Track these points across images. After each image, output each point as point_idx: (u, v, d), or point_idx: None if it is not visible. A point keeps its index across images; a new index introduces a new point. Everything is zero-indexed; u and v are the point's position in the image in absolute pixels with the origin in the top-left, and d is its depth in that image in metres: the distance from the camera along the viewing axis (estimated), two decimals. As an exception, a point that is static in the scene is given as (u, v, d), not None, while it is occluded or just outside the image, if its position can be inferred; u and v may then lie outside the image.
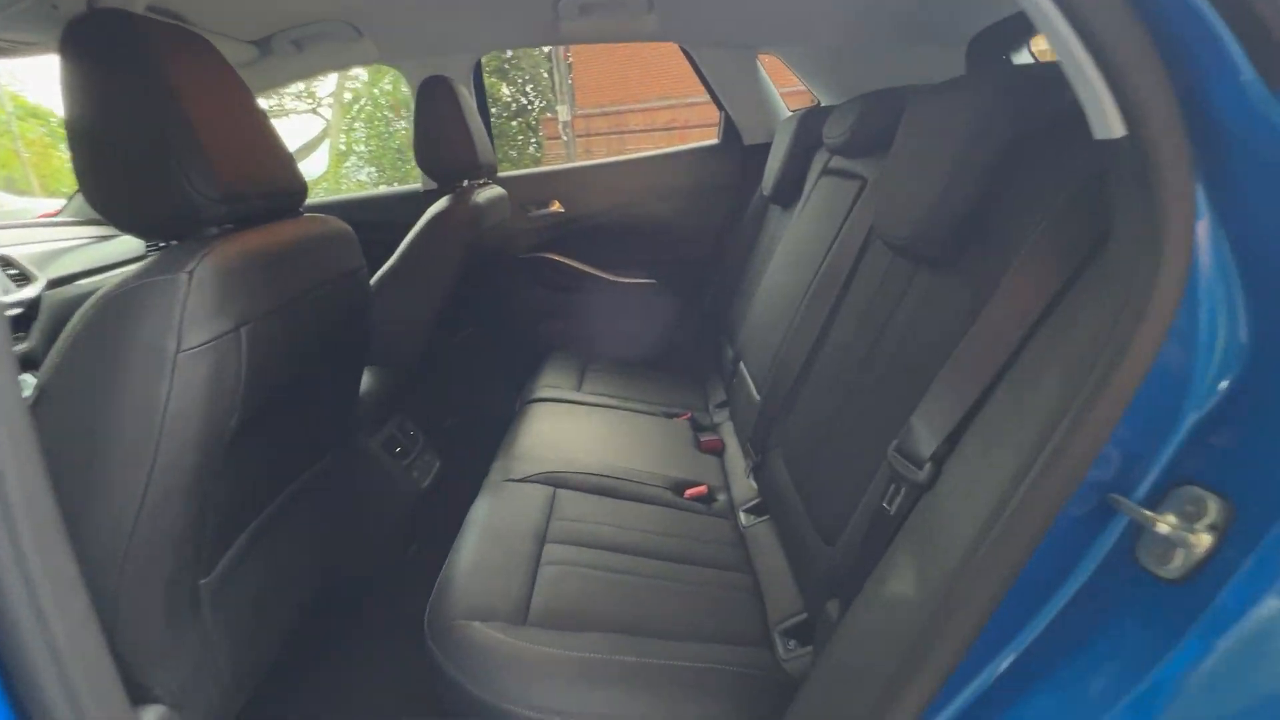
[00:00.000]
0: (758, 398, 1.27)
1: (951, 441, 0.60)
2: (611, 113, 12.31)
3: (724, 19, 1.66)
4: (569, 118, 11.57)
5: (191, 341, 0.65)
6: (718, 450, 1.46)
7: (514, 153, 10.11)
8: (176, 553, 0.74)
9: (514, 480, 1.20)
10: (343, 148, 11.58)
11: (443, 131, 1.48)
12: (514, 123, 11.06)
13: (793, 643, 0.91)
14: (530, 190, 2.05)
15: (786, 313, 1.25)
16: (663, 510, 1.19)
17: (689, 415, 1.60)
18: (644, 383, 1.78)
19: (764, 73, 1.89)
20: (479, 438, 2.12)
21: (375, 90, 11.50)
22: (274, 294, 0.79)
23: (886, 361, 0.86)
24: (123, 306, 0.65)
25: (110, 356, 0.64)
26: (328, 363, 1.00)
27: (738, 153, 1.98)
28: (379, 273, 1.45)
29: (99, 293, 0.65)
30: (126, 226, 0.77)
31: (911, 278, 0.87)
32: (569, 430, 1.43)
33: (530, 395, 1.61)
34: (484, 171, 1.60)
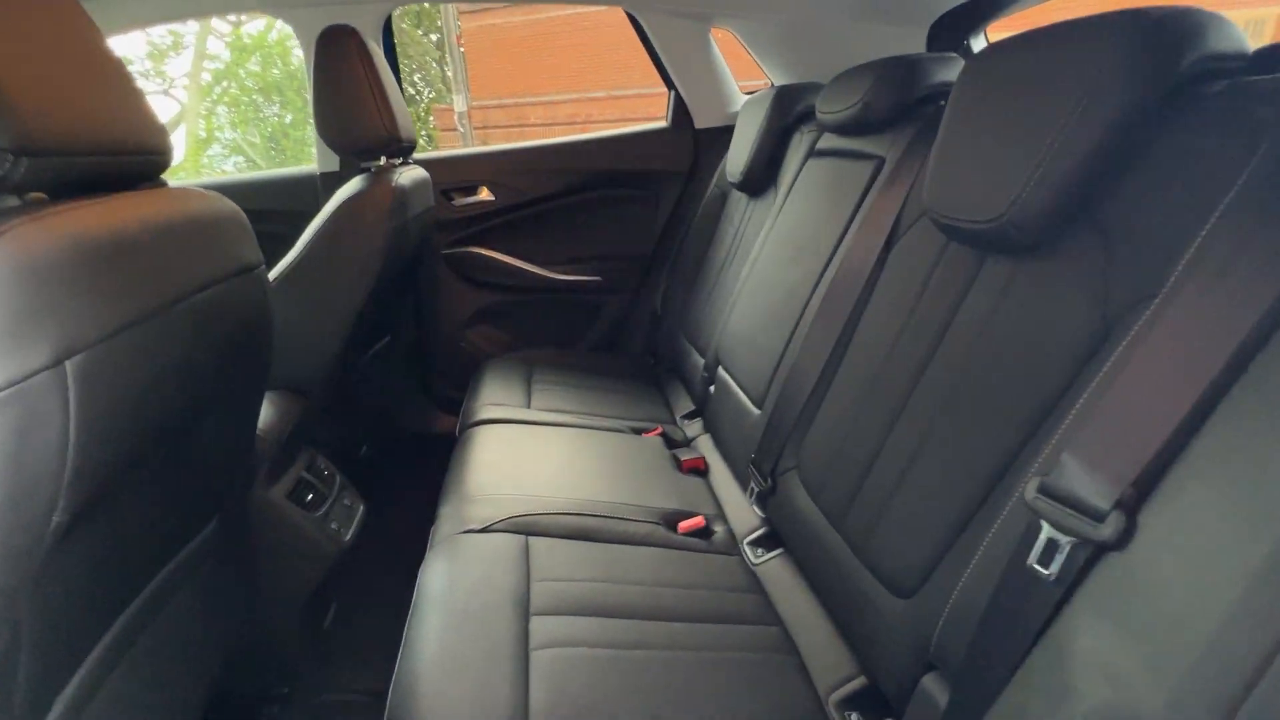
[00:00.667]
0: (756, 411, 1.11)
1: (1143, 485, 0.46)
2: (510, 105, 11.88)
3: (679, -16, 1.48)
4: (465, 108, 11.03)
5: None
6: (701, 470, 1.28)
7: (405, 144, 9.50)
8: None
9: (474, 531, 0.96)
10: (203, 134, 10.38)
11: (353, 96, 1.18)
12: (403, 112, 10.37)
13: (854, 716, 0.74)
14: (454, 175, 1.77)
15: (786, 313, 1.09)
16: (658, 552, 1.00)
17: (660, 430, 1.41)
18: (599, 394, 1.56)
19: (717, 49, 1.73)
20: (406, 467, 1.82)
21: (241, 71, 10.37)
22: (123, 304, 0.51)
23: (956, 371, 0.71)
24: None
25: None
26: (213, 399, 0.71)
27: (689, 136, 1.81)
28: (273, 273, 1.14)
29: None
30: None
31: (979, 268, 0.73)
32: (528, 459, 1.19)
33: (472, 417, 1.35)
34: (405, 149, 1.32)
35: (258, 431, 1.00)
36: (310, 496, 1.10)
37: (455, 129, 10.74)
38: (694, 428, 1.46)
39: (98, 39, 0.56)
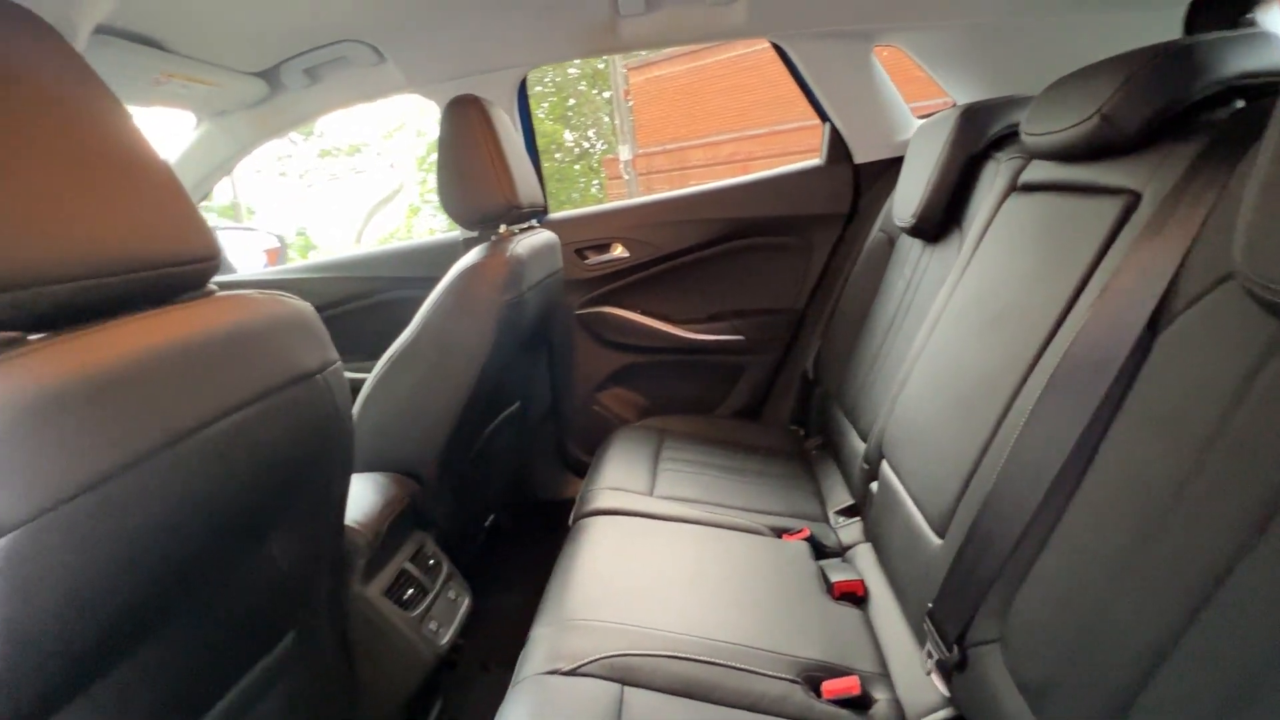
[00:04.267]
0: (936, 541, 0.81)
1: None
2: (672, 149, 12.25)
3: (833, 2, 1.26)
4: (629, 157, 11.61)
5: None
6: (858, 598, 1.00)
7: (576, 195, 10.49)
8: None
9: (561, 673, 0.79)
10: (417, 202, 12.12)
11: (470, 164, 1.14)
12: (576, 166, 11.53)
13: None
14: (586, 232, 1.69)
15: (981, 406, 0.79)
16: (793, 729, 0.75)
17: (807, 531, 1.15)
18: (736, 476, 1.34)
19: (882, 70, 1.47)
20: (533, 538, 1.74)
21: (447, 143, 11.95)
22: (97, 456, 0.42)
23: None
24: None
25: None
26: (259, 524, 0.63)
27: (847, 173, 1.55)
28: (393, 349, 1.11)
29: None
30: None
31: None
32: (640, 568, 1.01)
33: (588, 504, 1.20)
34: (526, 214, 1.24)
35: (355, 524, 0.95)
36: (410, 592, 1.02)
37: (621, 177, 11.35)
38: (850, 531, 1.17)
39: (125, 141, 0.50)
